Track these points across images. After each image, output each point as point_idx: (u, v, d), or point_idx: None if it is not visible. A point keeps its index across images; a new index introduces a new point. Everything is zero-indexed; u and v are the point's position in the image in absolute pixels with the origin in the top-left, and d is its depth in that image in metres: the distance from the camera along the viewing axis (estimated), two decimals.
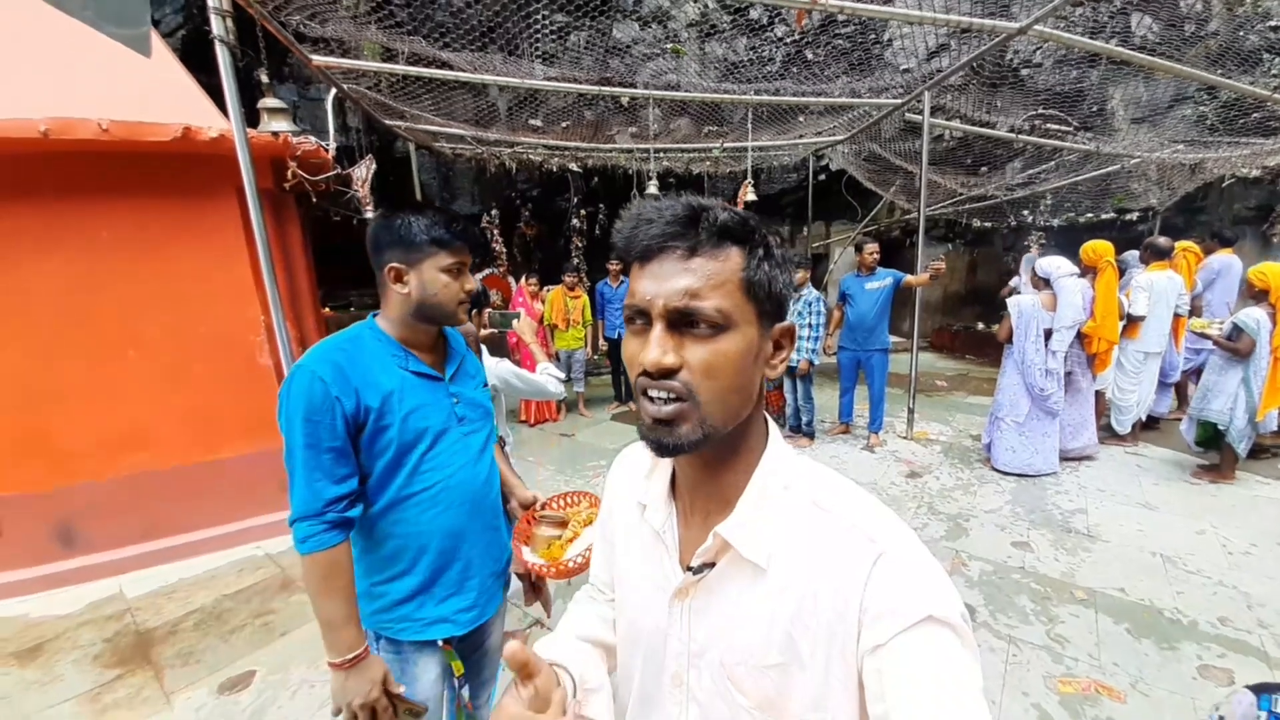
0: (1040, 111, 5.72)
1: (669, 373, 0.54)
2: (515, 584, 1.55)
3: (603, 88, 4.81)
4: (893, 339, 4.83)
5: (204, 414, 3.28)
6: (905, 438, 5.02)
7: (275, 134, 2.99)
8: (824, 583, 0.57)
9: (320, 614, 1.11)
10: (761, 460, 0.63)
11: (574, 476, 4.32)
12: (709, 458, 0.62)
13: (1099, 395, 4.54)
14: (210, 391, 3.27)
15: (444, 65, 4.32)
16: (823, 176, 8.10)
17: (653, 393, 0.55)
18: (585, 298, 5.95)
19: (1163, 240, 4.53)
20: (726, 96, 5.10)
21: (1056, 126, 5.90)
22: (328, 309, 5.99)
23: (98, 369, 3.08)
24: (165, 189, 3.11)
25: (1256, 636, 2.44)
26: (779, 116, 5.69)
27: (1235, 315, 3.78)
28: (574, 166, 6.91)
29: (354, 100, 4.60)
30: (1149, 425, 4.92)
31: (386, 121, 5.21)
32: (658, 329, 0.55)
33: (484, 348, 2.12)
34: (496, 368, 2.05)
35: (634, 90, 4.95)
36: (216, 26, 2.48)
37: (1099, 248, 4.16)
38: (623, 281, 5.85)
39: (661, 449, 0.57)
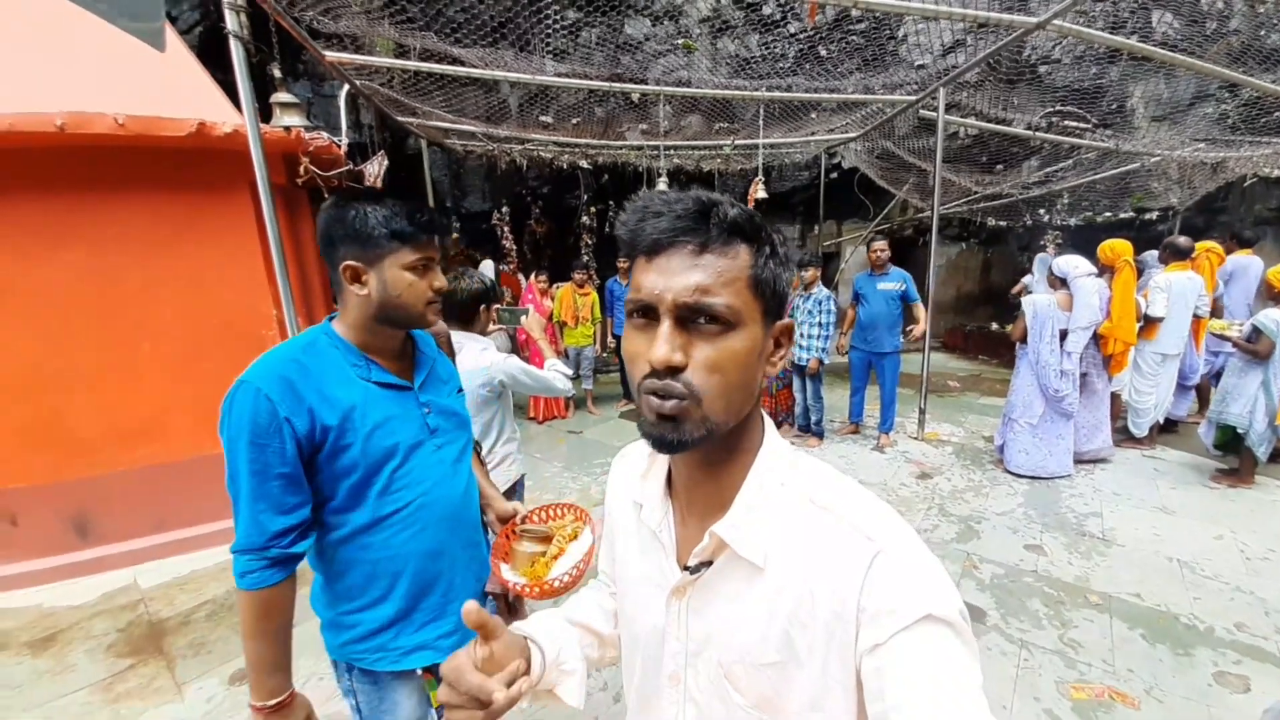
0: (1058, 108, 5.63)
1: (676, 370, 0.54)
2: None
3: (614, 84, 4.79)
4: (907, 339, 4.80)
5: (217, 406, 3.28)
6: (916, 438, 4.97)
7: (287, 129, 3.00)
8: (821, 582, 0.56)
9: (249, 654, 1.02)
10: (758, 458, 0.62)
11: (581, 474, 4.32)
12: (706, 456, 0.62)
13: (1115, 397, 4.47)
14: (223, 384, 3.23)
15: (456, 61, 4.32)
16: (835, 174, 8.03)
17: (658, 390, 0.55)
18: (594, 295, 5.94)
19: (1182, 240, 4.44)
20: (738, 93, 5.07)
21: (1075, 124, 5.81)
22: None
23: (113, 361, 3.12)
24: (180, 183, 3.13)
25: (1273, 643, 2.40)
26: (791, 113, 5.65)
27: (1255, 317, 3.70)
28: (584, 164, 6.91)
29: (366, 96, 4.62)
30: (1167, 428, 4.84)
31: (399, 118, 5.23)
32: (666, 325, 0.54)
33: (493, 343, 2.11)
34: (504, 364, 2.02)
35: (645, 87, 4.93)
36: (231, 22, 2.50)
37: (1117, 247, 4.09)
38: None
39: (664, 446, 0.57)
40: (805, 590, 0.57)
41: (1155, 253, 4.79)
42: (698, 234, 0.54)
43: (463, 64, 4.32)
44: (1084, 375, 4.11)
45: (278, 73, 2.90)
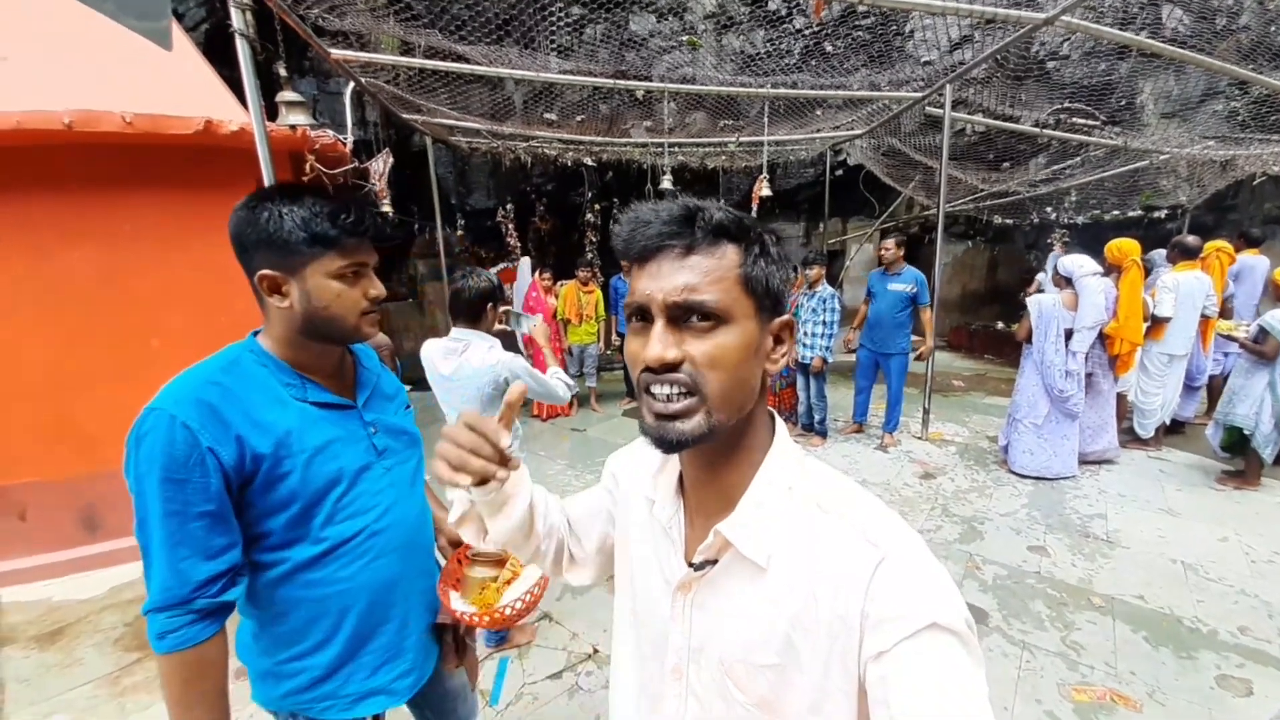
0: (1066, 105, 5.58)
1: (672, 367, 0.55)
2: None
3: (618, 81, 4.78)
4: (914, 339, 4.76)
5: None
6: (920, 438, 4.96)
7: (293, 127, 3.01)
8: (825, 586, 0.57)
9: None
10: (766, 459, 0.63)
11: (585, 471, 4.32)
12: (712, 455, 0.63)
13: (1121, 398, 4.44)
14: None
15: (460, 59, 4.32)
16: (840, 171, 7.99)
17: (656, 388, 0.56)
18: (598, 292, 5.94)
19: (1191, 239, 4.40)
20: (743, 90, 5.05)
21: (1083, 121, 5.76)
22: None
23: (122, 358, 3.15)
24: (188, 181, 3.15)
25: (1277, 646, 2.39)
26: (796, 110, 5.62)
27: (1261, 318, 3.67)
28: (589, 161, 6.90)
29: (372, 94, 4.63)
30: (1174, 429, 4.80)
31: (404, 115, 5.24)
32: (658, 325, 0.56)
33: (499, 342, 2.15)
34: (512, 362, 2.05)
35: (650, 84, 4.92)
36: (237, 20, 2.50)
37: (1124, 246, 4.06)
38: None
39: (665, 444, 0.58)
40: (808, 594, 0.57)
41: (1163, 252, 4.75)
42: (683, 237, 0.56)
43: (467, 61, 4.32)
44: (1089, 375, 4.08)
45: (283, 71, 2.91)
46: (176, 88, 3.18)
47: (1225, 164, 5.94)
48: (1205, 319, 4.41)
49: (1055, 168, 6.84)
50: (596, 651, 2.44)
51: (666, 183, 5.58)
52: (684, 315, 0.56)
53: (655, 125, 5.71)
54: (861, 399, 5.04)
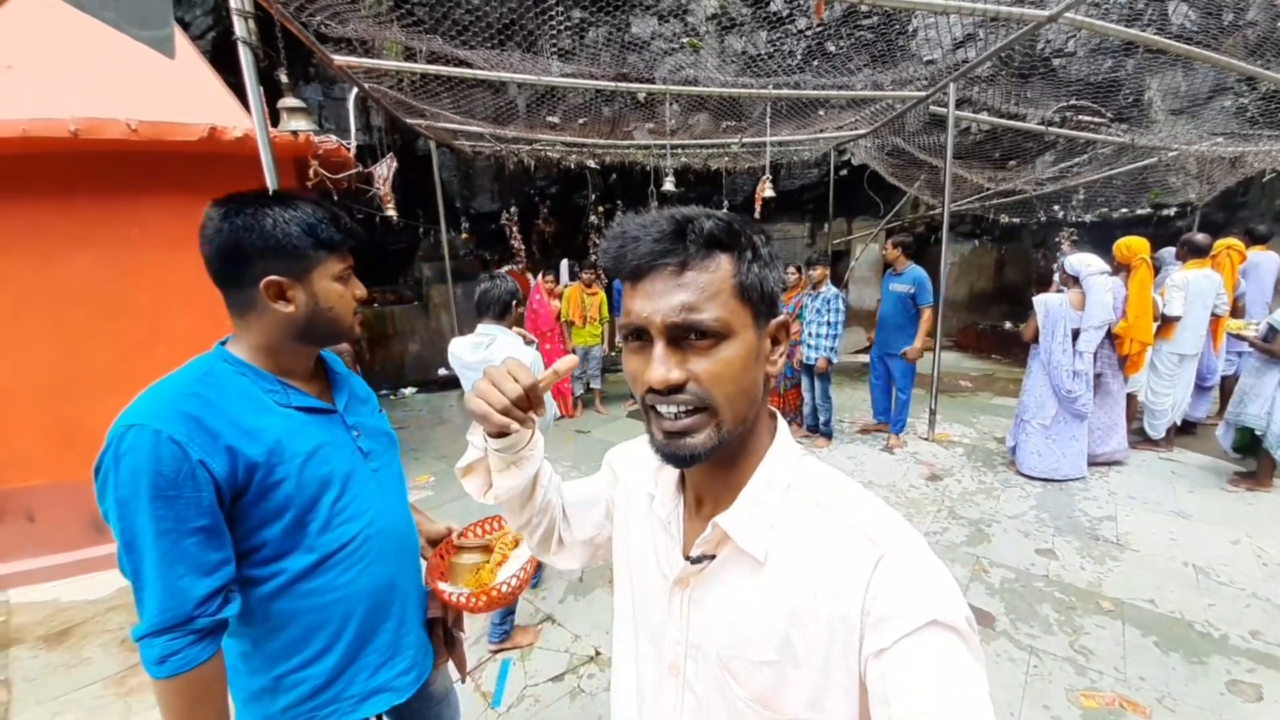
0: (1073, 103, 5.53)
1: (677, 388, 0.55)
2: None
3: (620, 84, 4.79)
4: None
5: None
6: (926, 439, 4.91)
7: (295, 133, 3.04)
8: (824, 583, 0.57)
9: None
10: (766, 456, 0.63)
11: (588, 472, 4.29)
12: (717, 456, 0.63)
13: (1131, 398, 4.38)
14: None
15: (463, 64, 4.34)
16: (844, 171, 7.95)
17: (663, 407, 0.56)
18: (602, 294, 5.95)
19: (1200, 237, 4.34)
20: (745, 91, 5.04)
21: (1090, 118, 5.70)
22: None
23: (129, 362, 3.17)
24: (194, 187, 3.16)
25: None
26: (799, 111, 5.60)
27: (1271, 316, 3.61)
28: (592, 163, 6.92)
29: (375, 99, 4.65)
30: (1185, 430, 4.74)
31: (408, 120, 5.27)
32: (659, 347, 0.55)
33: (519, 338, 2.36)
34: (535, 360, 2.21)
35: (652, 86, 4.92)
36: (239, 28, 2.52)
37: (1133, 244, 4.01)
38: None
39: (678, 460, 0.58)
40: (807, 591, 0.57)
41: (1173, 250, 4.69)
42: (675, 254, 0.55)
43: (470, 66, 4.34)
44: (1098, 376, 4.03)
45: (285, 78, 2.93)
46: (182, 95, 3.21)
47: (1234, 161, 5.87)
48: (1216, 318, 4.34)
49: (1062, 166, 6.78)
50: (599, 654, 2.44)
51: (669, 184, 5.58)
52: (684, 334, 0.55)
53: (658, 127, 5.72)
54: (878, 398, 5.01)
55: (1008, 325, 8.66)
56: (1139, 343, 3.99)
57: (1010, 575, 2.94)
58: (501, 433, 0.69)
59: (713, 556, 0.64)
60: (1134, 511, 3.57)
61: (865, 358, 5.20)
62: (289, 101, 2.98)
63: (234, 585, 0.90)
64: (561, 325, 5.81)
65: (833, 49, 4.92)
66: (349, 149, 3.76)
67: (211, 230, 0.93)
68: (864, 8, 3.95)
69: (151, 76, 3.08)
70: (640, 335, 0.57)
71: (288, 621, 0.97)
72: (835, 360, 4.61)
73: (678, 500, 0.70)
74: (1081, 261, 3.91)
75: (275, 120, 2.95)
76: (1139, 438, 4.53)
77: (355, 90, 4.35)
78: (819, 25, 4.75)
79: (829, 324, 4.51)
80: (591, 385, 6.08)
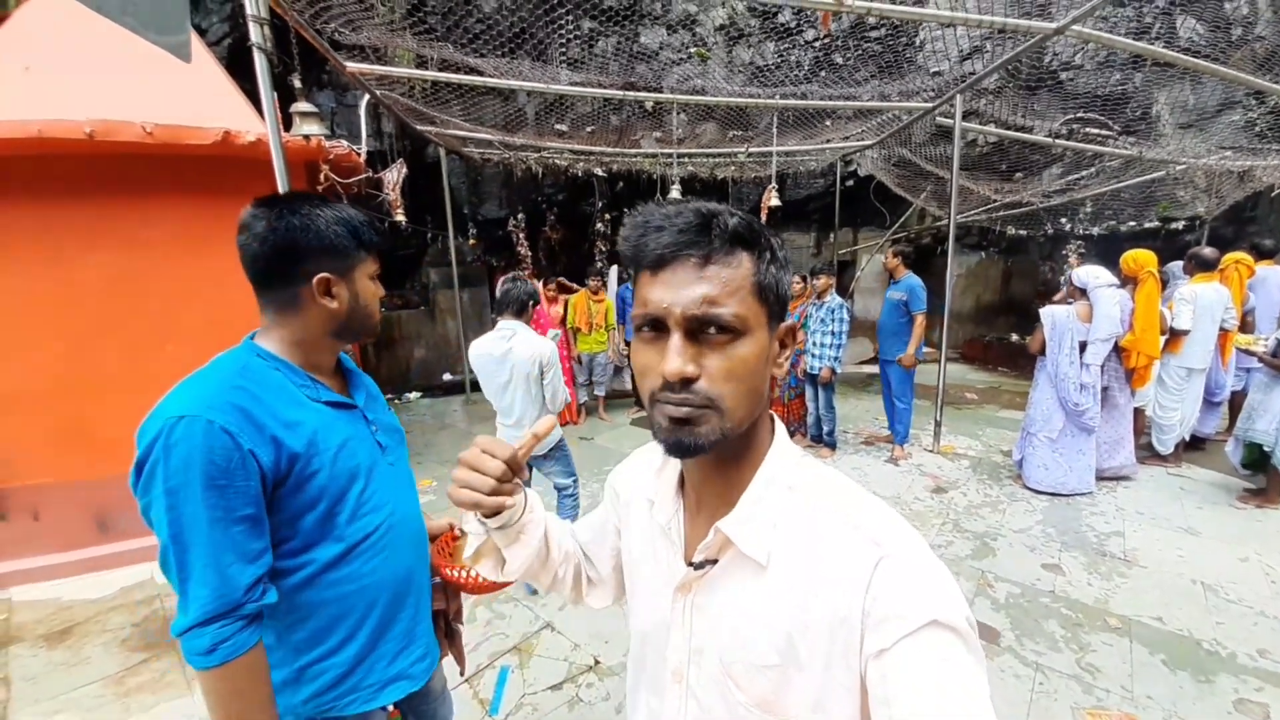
0: (1080, 115, 5.53)
1: (689, 381, 0.55)
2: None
3: (628, 92, 4.83)
4: (926, 349, 4.70)
5: None
6: (931, 451, 4.88)
7: (306, 137, 3.08)
8: (825, 585, 0.56)
9: None
10: (766, 458, 0.63)
11: (592, 479, 4.31)
12: (717, 456, 0.63)
13: (1139, 413, 4.35)
14: None
15: (474, 72, 4.39)
16: (850, 182, 7.96)
17: (671, 400, 0.56)
18: (609, 301, 5.96)
19: (1208, 251, 4.32)
20: (752, 100, 5.07)
21: (1097, 131, 5.70)
22: None
23: (138, 362, 3.20)
24: (206, 190, 3.22)
25: None
26: (806, 121, 5.63)
27: (1279, 331, 3.58)
28: (599, 171, 6.95)
29: (387, 106, 4.71)
30: (1194, 445, 4.69)
31: (418, 127, 5.33)
32: (676, 338, 0.55)
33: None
34: (552, 354, 2.58)
35: (659, 95, 4.96)
36: (254, 34, 2.56)
37: (1140, 257, 3.99)
38: None
39: (681, 450, 0.57)
40: (809, 592, 0.57)
41: (1181, 263, 4.67)
42: (700, 246, 0.55)
43: (481, 74, 4.39)
44: (1105, 389, 4.00)
45: (298, 83, 2.97)
46: (197, 99, 3.25)
47: (1243, 175, 5.85)
48: (1224, 332, 4.31)
49: (1070, 178, 6.77)
50: (598, 663, 2.42)
51: (675, 193, 5.61)
52: (701, 328, 0.55)
53: (665, 136, 5.75)
54: (889, 407, 4.99)
55: (1014, 337, 8.63)
56: (1146, 356, 3.96)
57: (1016, 590, 2.90)
58: (496, 512, 0.69)
59: (715, 561, 0.63)
60: (1142, 527, 3.53)
61: (870, 368, 5.18)
62: (301, 106, 3.02)
63: (271, 574, 0.93)
64: (568, 331, 5.82)
65: (840, 60, 4.94)
66: (360, 154, 3.80)
67: (263, 229, 0.95)
68: (871, 19, 3.98)
69: (167, 80, 3.13)
70: (656, 326, 0.57)
71: (313, 612, 1.00)
72: (839, 370, 4.60)
73: (678, 504, 0.70)
74: (1089, 274, 3.89)
75: (288, 125, 2.98)
76: (1147, 453, 4.49)
77: (367, 97, 4.41)
78: (826, 37, 4.77)
79: (833, 334, 4.51)
80: (596, 392, 6.08)
